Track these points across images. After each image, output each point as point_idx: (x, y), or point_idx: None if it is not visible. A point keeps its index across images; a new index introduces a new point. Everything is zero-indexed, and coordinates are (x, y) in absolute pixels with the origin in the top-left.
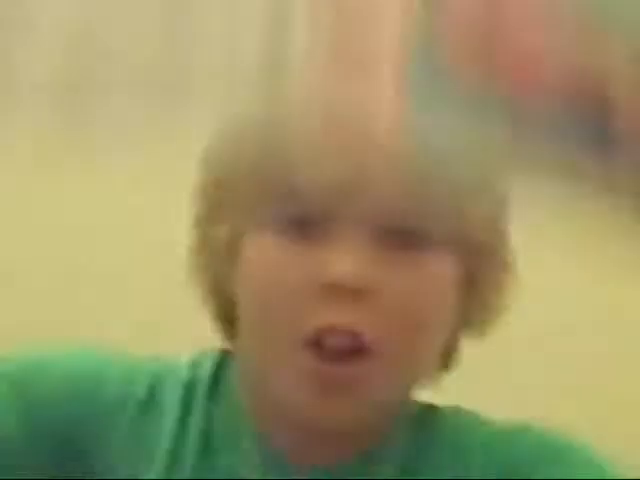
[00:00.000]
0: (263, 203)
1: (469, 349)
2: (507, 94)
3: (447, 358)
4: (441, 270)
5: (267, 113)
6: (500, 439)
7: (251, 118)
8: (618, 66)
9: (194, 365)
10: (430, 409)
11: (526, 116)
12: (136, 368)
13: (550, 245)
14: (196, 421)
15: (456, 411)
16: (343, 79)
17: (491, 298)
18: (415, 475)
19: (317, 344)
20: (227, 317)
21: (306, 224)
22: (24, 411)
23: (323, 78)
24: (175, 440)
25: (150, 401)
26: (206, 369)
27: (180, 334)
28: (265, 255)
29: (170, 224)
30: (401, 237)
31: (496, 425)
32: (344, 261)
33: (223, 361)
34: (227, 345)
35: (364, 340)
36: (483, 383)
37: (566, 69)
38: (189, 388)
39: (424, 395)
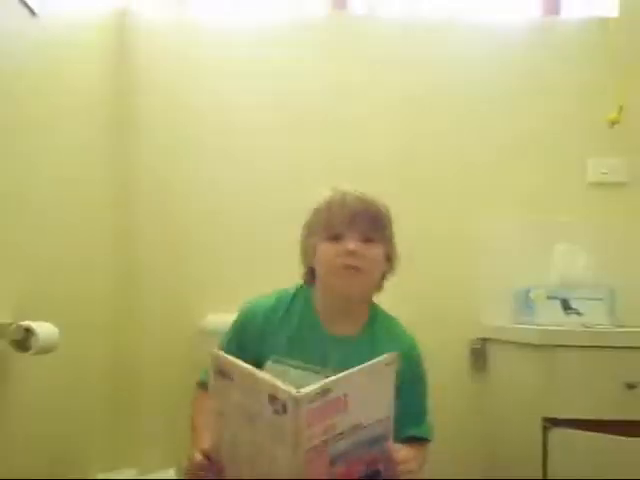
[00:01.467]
0: (324, 232)
1: None
2: None
3: (381, 284)
4: (380, 251)
5: (324, 202)
6: (398, 331)
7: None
8: None
9: (297, 291)
10: (375, 306)
11: None
12: (274, 300)
13: None
14: (298, 313)
15: (379, 308)
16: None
17: (393, 262)
18: (374, 337)
19: (344, 267)
20: (311, 269)
21: (337, 237)
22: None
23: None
24: (294, 321)
25: (285, 312)
26: (301, 292)
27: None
28: (325, 247)
29: None
30: (368, 239)
31: (394, 320)
32: (352, 245)
33: (303, 287)
34: (305, 281)
35: (359, 267)
36: None
37: None
38: (297, 301)
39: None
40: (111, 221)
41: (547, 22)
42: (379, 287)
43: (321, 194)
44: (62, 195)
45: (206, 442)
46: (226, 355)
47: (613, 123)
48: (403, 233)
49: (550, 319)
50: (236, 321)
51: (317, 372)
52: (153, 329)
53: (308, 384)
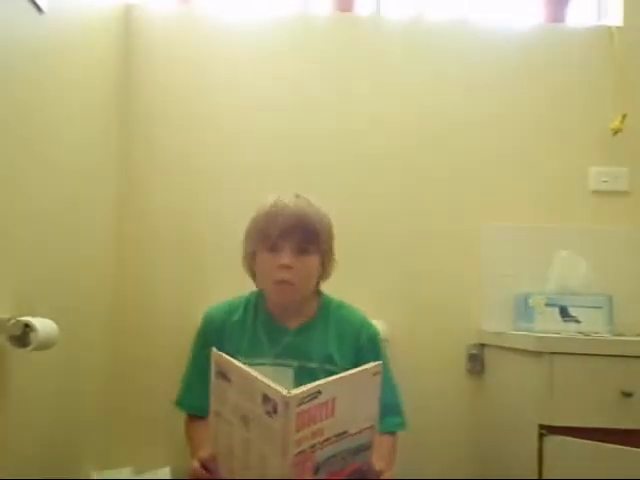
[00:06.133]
0: (261, 241)
1: None
2: None
3: (317, 286)
4: (314, 261)
5: (263, 213)
6: (351, 313)
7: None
8: None
9: (249, 295)
10: (327, 297)
11: None
12: (229, 305)
13: None
14: (252, 315)
15: (332, 298)
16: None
17: (328, 268)
18: (327, 322)
19: (278, 282)
20: (253, 275)
21: (273, 248)
22: (204, 342)
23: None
24: (249, 323)
25: (241, 315)
26: (253, 296)
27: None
28: (262, 258)
29: None
30: (302, 251)
31: (348, 306)
32: (285, 258)
33: (254, 292)
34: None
35: (292, 282)
36: None
37: None
38: (250, 305)
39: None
40: (112, 218)
41: (552, 30)
42: (316, 289)
43: (263, 201)
44: (63, 191)
45: (204, 451)
46: (225, 355)
47: (615, 132)
48: (404, 237)
49: (548, 326)
50: (197, 334)
51: (282, 365)
52: (152, 327)
53: (277, 379)
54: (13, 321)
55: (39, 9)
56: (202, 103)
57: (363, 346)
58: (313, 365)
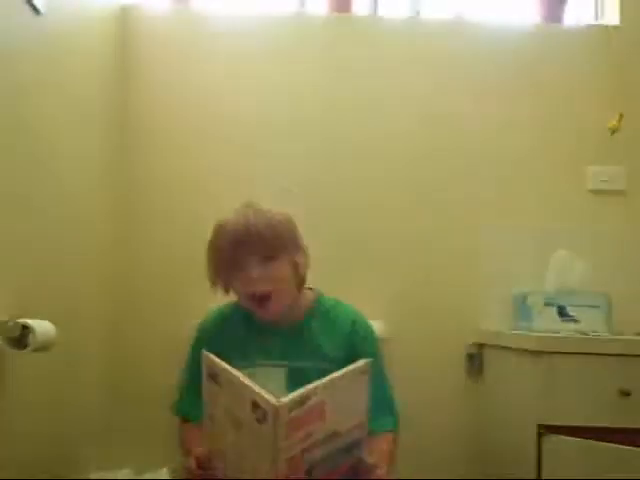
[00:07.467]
0: (225, 267)
1: None
2: None
3: (301, 283)
4: (284, 264)
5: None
6: (341, 308)
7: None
8: None
9: (229, 305)
10: (320, 296)
11: None
12: (221, 310)
13: None
14: (243, 318)
15: (326, 297)
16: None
17: (302, 266)
18: (319, 318)
19: (252, 297)
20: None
21: (240, 267)
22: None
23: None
24: (241, 327)
25: (232, 318)
26: (235, 305)
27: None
28: (234, 277)
29: None
30: (267, 258)
31: (343, 304)
32: (251, 271)
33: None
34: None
35: (267, 292)
36: None
37: None
38: (240, 309)
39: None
40: (110, 219)
41: (548, 29)
42: (301, 286)
43: (220, 221)
44: (61, 193)
45: (199, 449)
46: (215, 358)
47: (613, 131)
48: (403, 237)
49: (547, 326)
50: (192, 342)
51: (274, 367)
52: (151, 328)
53: (270, 380)
54: (11, 323)
55: (36, 10)
56: (200, 103)
57: (357, 343)
58: (306, 364)
